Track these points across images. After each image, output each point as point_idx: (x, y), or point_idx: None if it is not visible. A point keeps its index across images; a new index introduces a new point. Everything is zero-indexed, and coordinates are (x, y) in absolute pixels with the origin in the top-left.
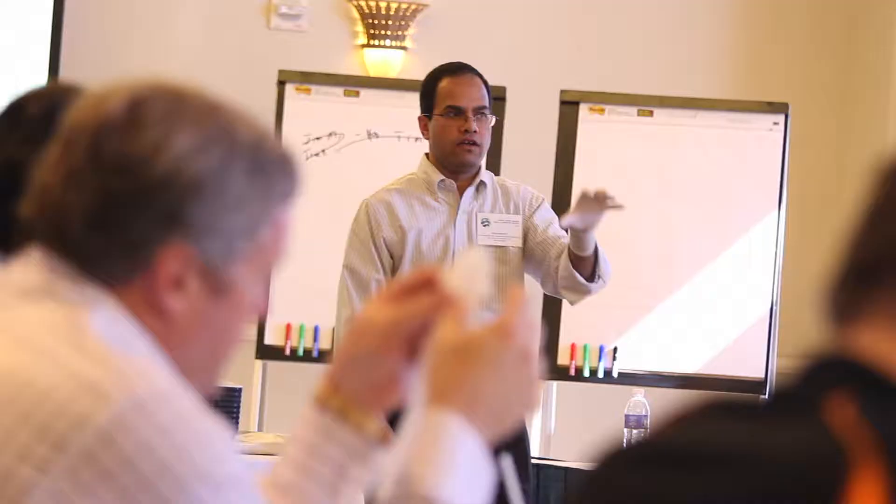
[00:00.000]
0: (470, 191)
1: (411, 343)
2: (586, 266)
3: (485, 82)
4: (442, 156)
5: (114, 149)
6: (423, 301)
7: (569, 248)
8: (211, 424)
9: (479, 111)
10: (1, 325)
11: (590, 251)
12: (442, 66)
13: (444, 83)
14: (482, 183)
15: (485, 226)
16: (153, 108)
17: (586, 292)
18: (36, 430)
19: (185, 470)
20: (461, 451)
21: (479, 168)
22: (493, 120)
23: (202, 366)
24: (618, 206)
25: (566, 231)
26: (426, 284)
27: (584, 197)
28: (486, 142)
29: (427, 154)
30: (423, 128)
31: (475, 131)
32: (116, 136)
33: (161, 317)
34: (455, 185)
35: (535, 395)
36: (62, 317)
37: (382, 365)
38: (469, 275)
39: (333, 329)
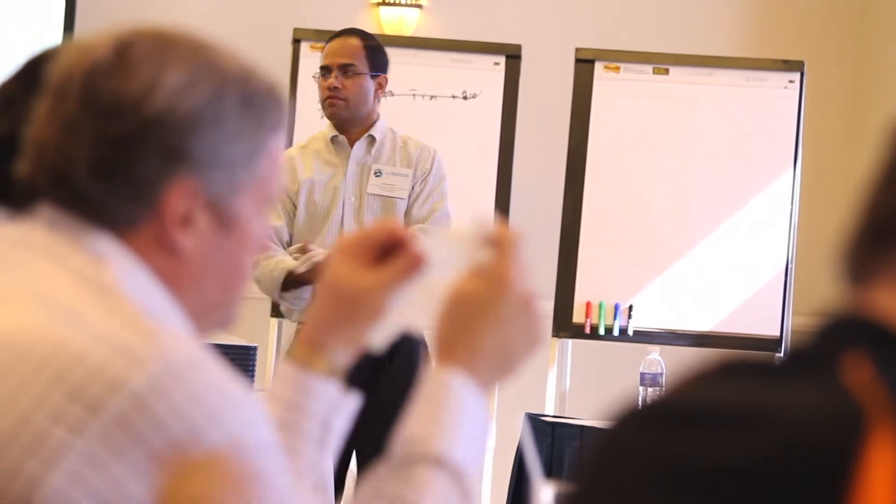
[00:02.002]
0: (360, 143)
1: (385, 304)
2: None
3: (368, 45)
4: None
5: (107, 92)
6: (396, 267)
7: None
8: (240, 390)
9: (343, 68)
10: (22, 283)
11: None
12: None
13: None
14: (371, 137)
15: (377, 176)
16: (140, 50)
17: None
18: (69, 391)
19: (216, 435)
20: (464, 409)
21: (374, 122)
22: (367, 78)
23: (217, 303)
24: None
25: None
26: (392, 242)
27: None
28: (355, 96)
29: None
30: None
31: (336, 87)
32: (108, 79)
33: (173, 256)
34: (346, 141)
35: (540, 334)
36: (85, 274)
37: (362, 329)
38: (455, 248)
39: None
